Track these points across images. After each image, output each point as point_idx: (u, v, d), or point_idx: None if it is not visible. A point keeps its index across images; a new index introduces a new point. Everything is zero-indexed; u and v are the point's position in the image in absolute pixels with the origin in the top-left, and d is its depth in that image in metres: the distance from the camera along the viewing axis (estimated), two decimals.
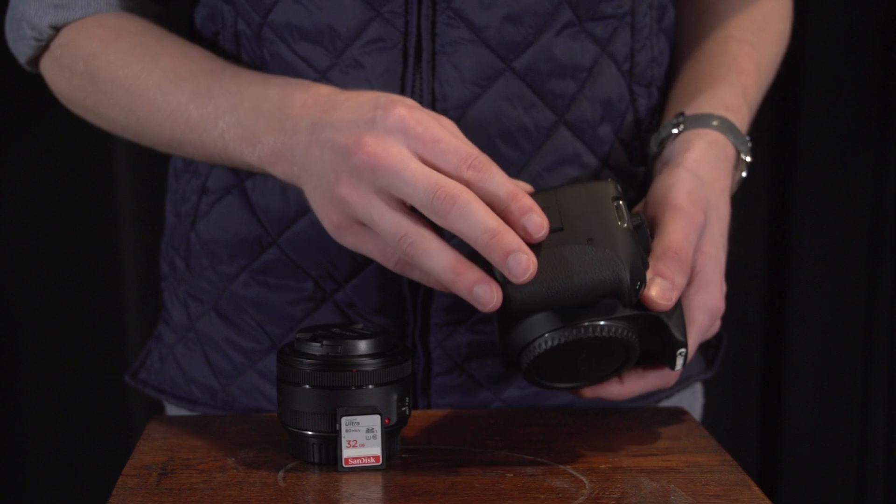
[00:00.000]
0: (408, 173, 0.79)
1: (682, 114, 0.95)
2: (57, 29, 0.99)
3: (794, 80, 1.76)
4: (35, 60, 1.02)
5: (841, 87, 1.78)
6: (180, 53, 0.95)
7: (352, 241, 0.84)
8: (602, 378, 0.85)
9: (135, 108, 0.96)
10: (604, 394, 0.87)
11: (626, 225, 0.81)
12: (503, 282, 0.79)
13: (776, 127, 1.80)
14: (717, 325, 0.89)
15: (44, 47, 1.00)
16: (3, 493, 1.73)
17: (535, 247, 0.79)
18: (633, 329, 0.80)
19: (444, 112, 0.93)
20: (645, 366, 0.87)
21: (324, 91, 0.87)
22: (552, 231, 0.80)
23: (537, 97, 0.94)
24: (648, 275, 0.82)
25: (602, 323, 0.80)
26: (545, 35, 0.93)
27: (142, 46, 0.96)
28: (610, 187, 0.83)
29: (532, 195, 0.83)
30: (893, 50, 1.77)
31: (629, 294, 0.79)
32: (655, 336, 0.83)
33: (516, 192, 0.79)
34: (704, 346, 1.07)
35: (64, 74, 1.00)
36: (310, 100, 0.87)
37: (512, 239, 0.77)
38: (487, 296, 0.78)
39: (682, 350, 0.83)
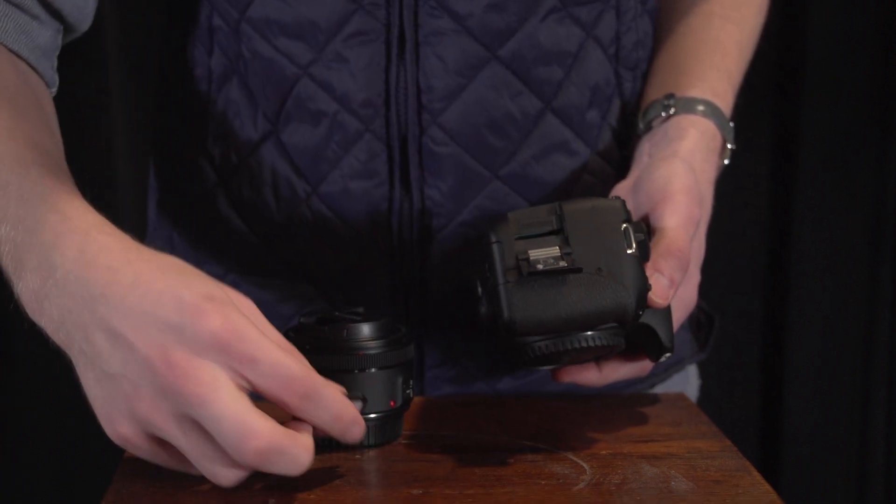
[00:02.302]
0: (217, 408, 0.67)
1: (672, 95, 0.95)
2: None
3: (795, 76, 1.77)
4: None
5: (842, 84, 1.78)
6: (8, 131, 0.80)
7: (148, 455, 0.73)
8: (582, 362, 0.86)
9: None
10: (580, 380, 0.86)
11: (633, 251, 0.80)
12: (509, 305, 0.78)
13: (778, 124, 1.80)
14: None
15: None
16: (3, 482, 1.73)
17: (545, 270, 0.78)
18: (622, 334, 0.81)
19: (430, 103, 0.92)
20: (623, 356, 0.87)
21: (108, 246, 0.71)
22: (562, 255, 0.79)
23: (523, 85, 0.94)
24: (647, 270, 0.82)
25: (590, 334, 0.79)
26: (530, 21, 0.93)
27: None
28: (619, 209, 0.81)
29: (538, 208, 0.82)
30: (894, 47, 1.77)
31: (632, 321, 0.80)
32: (641, 335, 0.83)
33: (347, 413, 0.72)
34: (696, 328, 1.08)
35: None
36: (89, 254, 0.71)
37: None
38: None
39: (668, 354, 0.84)
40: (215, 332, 0.67)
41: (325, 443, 0.82)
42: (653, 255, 0.83)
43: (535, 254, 0.79)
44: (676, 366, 1.05)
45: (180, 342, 0.67)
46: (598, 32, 0.96)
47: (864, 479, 1.87)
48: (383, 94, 0.92)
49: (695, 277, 0.89)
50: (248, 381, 0.69)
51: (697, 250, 0.90)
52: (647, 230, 0.84)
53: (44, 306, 0.72)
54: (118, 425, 0.71)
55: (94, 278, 0.70)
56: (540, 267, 0.78)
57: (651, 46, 1.02)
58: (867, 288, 1.82)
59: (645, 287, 0.80)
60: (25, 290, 0.73)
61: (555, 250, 0.79)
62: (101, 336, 0.69)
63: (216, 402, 0.67)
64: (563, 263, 0.78)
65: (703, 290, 1.09)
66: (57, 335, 0.72)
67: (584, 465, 0.80)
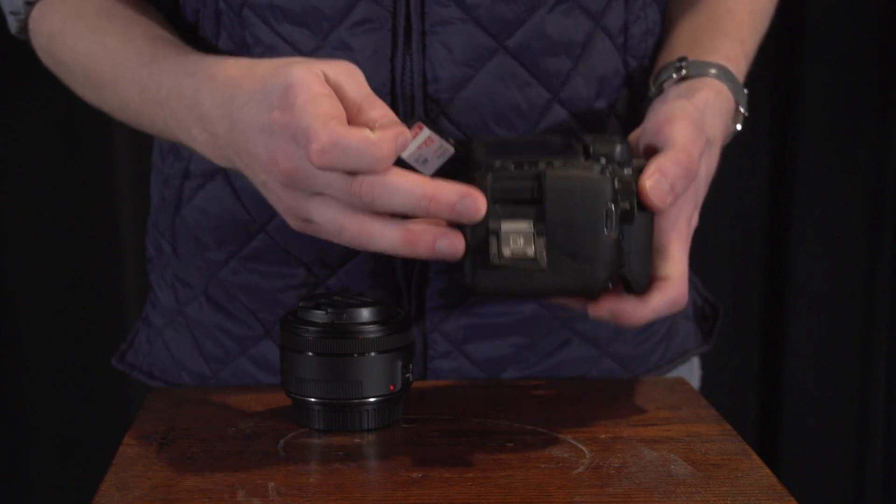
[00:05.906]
0: (321, 177, 0.77)
1: (684, 58, 0.93)
2: (30, 4, 0.98)
3: (795, 53, 1.76)
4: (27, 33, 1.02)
5: (842, 60, 1.77)
6: (123, 35, 0.92)
7: (310, 232, 0.82)
8: None
9: (94, 89, 0.95)
10: (618, 311, 0.81)
11: (613, 233, 0.77)
12: (472, 269, 0.77)
13: (777, 101, 1.79)
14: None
15: (25, 21, 1.00)
16: (3, 482, 1.74)
17: (511, 265, 0.76)
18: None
19: (436, 93, 0.91)
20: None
21: (223, 79, 0.83)
22: (535, 231, 0.76)
23: (531, 76, 0.93)
24: (650, 169, 0.79)
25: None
26: (538, 12, 0.92)
27: (93, 28, 0.94)
28: (606, 188, 0.77)
29: (519, 171, 0.78)
30: (894, 32, 1.76)
31: (598, 295, 0.79)
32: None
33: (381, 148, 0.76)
34: (701, 319, 1.07)
35: (39, 52, 1.00)
36: (217, 97, 0.83)
37: (449, 194, 0.75)
38: (450, 249, 0.76)
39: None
40: (286, 124, 0.77)
41: (328, 425, 0.82)
42: (658, 159, 0.80)
43: (507, 227, 0.76)
44: (682, 357, 1.04)
45: (275, 142, 0.78)
46: (606, 22, 0.95)
47: (863, 474, 1.87)
48: (388, 84, 0.91)
49: (685, 273, 0.83)
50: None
51: (687, 225, 0.84)
52: (634, 204, 0.79)
53: (214, 146, 0.84)
54: (288, 220, 0.82)
55: (227, 106, 0.81)
56: (508, 255, 0.75)
57: (658, 35, 1.01)
58: (867, 266, 1.82)
59: (618, 268, 0.78)
60: (202, 146, 0.85)
61: (528, 225, 0.76)
62: (245, 156, 0.81)
63: (318, 174, 0.76)
64: (530, 252, 0.76)
65: (703, 281, 1.10)
66: (235, 166, 0.84)
67: (584, 448, 0.80)
